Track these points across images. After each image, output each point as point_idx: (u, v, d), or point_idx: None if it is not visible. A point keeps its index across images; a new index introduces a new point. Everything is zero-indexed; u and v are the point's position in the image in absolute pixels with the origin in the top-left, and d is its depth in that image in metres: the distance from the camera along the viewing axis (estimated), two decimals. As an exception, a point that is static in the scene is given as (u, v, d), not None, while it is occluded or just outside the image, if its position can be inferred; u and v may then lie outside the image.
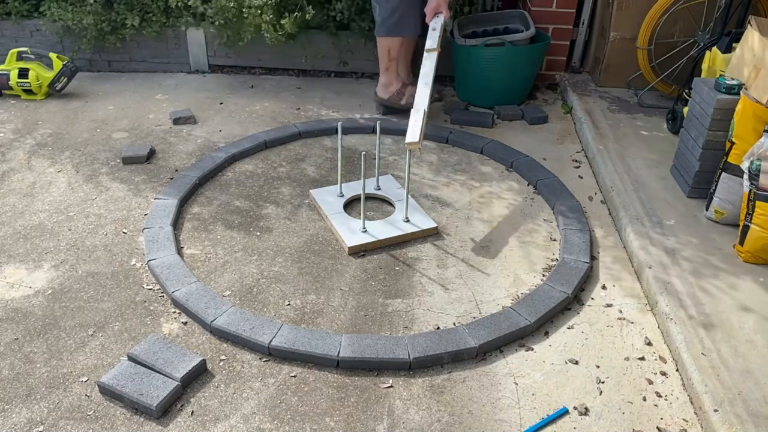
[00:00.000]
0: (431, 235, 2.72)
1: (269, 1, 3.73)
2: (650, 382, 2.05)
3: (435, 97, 3.84)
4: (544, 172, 3.15)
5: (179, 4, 3.95)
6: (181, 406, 1.93)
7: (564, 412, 1.94)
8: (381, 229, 2.68)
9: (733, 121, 2.55)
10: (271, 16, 3.75)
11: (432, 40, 3.15)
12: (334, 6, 3.98)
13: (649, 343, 2.20)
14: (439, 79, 4.27)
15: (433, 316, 2.30)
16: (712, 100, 2.65)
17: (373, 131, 3.17)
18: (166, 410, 1.90)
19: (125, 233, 2.67)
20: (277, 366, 2.08)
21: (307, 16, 3.77)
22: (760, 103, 2.45)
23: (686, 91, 3.28)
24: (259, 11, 3.77)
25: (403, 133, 3.54)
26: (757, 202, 2.41)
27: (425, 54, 3.07)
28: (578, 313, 2.34)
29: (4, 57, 3.84)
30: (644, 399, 1.99)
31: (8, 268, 2.46)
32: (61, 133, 3.47)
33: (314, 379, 2.03)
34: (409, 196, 2.78)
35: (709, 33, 3.56)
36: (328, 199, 2.88)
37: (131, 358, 2.03)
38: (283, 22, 3.74)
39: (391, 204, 2.91)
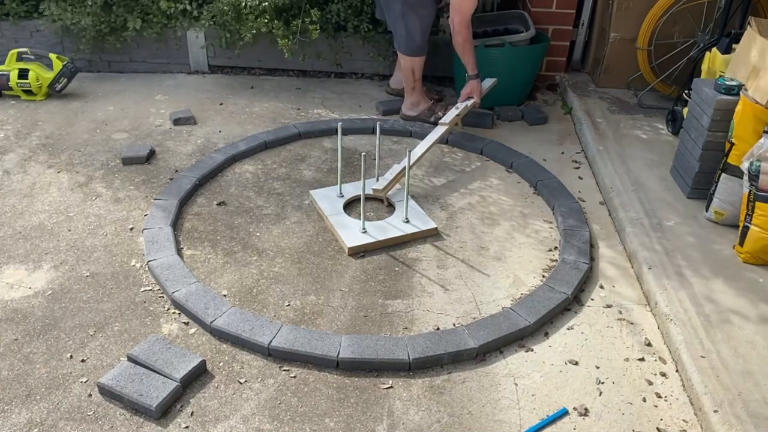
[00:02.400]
0: (431, 235, 2.72)
1: (266, 5, 3.73)
2: (650, 383, 2.05)
3: (436, 98, 3.87)
4: (544, 173, 3.15)
5: (173, 10, 3.95)
6: (181, 406, 1.93)
7: (564, 413, 1.94)
8: (381, 230, 2.68)
9: (733, 122, 2.55)
10: (281, 29, 3.76)
11: (448, 117, 3.30)
12: (330, 8, 3.98)
13: (649, 344, 2.21)
14: (439, 79, 4.29)
15: (433, 316, 2.30)
16: (712, 101, 2.66)
17: (373, 131, 3.18)
18: (165, 411, 1.90)
19: (125, 234, 2.67)
20: (276, 367, 2.08)
21: (314, 18, 3.77)
22: (760, 104, 2.45)
23: (686, 91, 3.28)
24: (255, 16, 3.78)
25: (402, 133, 3.56)
26: (757, 203, 2.41)
27: (438, 125, 3.27)
28: (578, 314, 2.34)
29: (4, 57, 3.84)
30: (644, 400, 1.99)
31: (8, 268, 2.46)
32: (60, 133, 3.47)
33: (314, 380, 2.03)
34: (409, 196, 2.78)
35: (708, 34, 3.56)
36: (328, 199, 2.88)
37: (131, 359, 2.03)
38: (294, 25, 3.77)
39: (390, 205, 2.91)
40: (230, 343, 2.16)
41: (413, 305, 2.35)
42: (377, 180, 2.98)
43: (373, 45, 4.15)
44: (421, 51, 3.52)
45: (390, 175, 2.91)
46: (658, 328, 2.27)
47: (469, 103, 3.41)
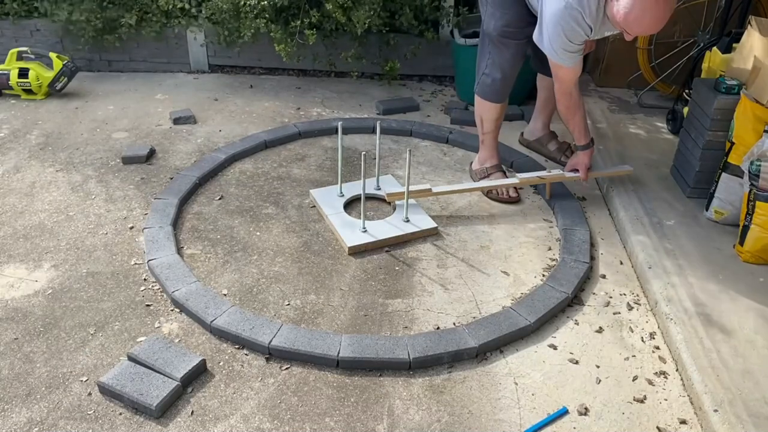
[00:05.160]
0: (431, 235, 2.72)
1: (264, 4, 3.72)
2: (650, 383, 2.05)
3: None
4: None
5: (172, 6, 3.95)
6: (181, 406, 1.93)
7: (564, 412, 1.94)
8: (381, 229, 2.68)
9: (733, 122, 2.56)
10: (279, 32, 3.73)
11: (528, 175, 2.89)
12: (322, 10, 3.95)
13: (649, 344, 2.21)
14: (439, 78, 4.28)
15: (433, 316, 2.30)
16: (712, 100, 2.66)
17: (373, 131, 3.18)
18: (165, 410, 1.90)
19: (125, 233, 2.67)
20: (277, 366, 2.08)
21: (313, 19, 3.76)
22: (760, 104, 2.45)
23: (686, 91, 3.28)
24: (254, 15, 3.76)
25: (402, 132, 3.56)
26: (757, 203, 2.41)
27: (515, 177, 2.85)
28: (578, 313, 2.34)
29: (4, 57, 3.84)
30: (644, 399, 1.99)
31: (8, 267, 2.46)
32: (61, 132, 3.47)
33: (314, 379, 2.03)
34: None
35: (709, 33, 3.56)
36: (328, 199, 2.88)
37: (131, 358, 2.03)
38: (292, 26, 3.74)
39: (391, 204, 2.91)
40: (230, 342, 2.16)
41: (413, 304, 2.35)
42: (377, 180, 2.98)
43: (369, 46, 4.13)
44: (486, 93, 2.93)
45: (411, 188, 2.78)
46: (658, 327, 2.27)
47: (568, 174, 2.89)
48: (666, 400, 2.00)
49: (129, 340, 2.15)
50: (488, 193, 2.99)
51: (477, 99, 2.98)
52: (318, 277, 2.46)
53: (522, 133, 3.48)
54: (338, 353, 2.07)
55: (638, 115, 3.67)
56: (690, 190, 2.85)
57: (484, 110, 2.96)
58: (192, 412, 1.91)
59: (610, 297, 2.42)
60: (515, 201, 2.95)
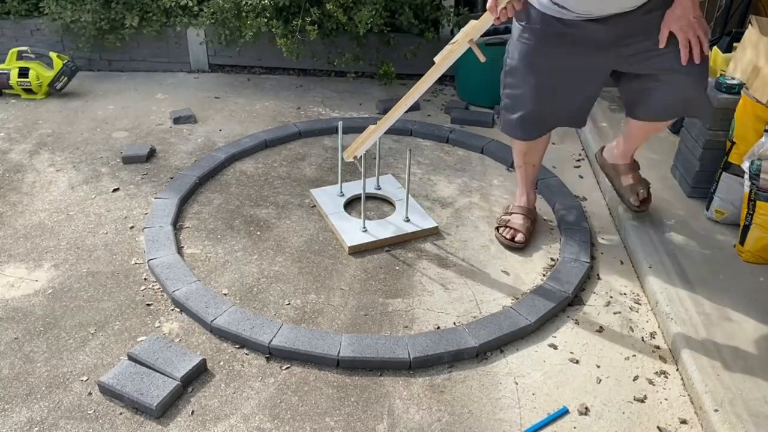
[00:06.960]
0: (431, 234, 2.72)
1: (265, 3, 3.72)
2: (650, 382, 2.05)
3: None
4: (544, 172, 3.14)
5: (173, 4, 3.95)
6: (182, 405, 1.93)
7: (564, 412, 1.94)
8: (381, 229, 2.68)
9: (734, 121, 2.55)
10: (280, 28, 3.72)
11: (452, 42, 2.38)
12: (323, 9, 3.94)
13: (650, 343, 2.20)
14: (439, 78, 4.26)
15: (434, 315, 2.30)
16: (713, 99, 2.65)
17: (374, 131, 3.18)
18: (166, 410, 1.90)
19: (125, 232, 2.67)
20: (277, 366, 2.08)
21: (314, 17, 3.76)
22: (761, 103, 2.45)
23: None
24: (255, 14, 3.76)
25: (403, 132, 3.56)
26: (758, 202, 2.40)
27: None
28: (578, 313, 2.34)
29: (4, 56, 3.84)
30: (644, 398, 1.99)
31: (8, 267, 2.46)
32: (61, 132, 3.47)
33: (314, 379, 2.03)
34: (409, 195, 2.78)
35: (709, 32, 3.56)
36: (328, 198, 2.88)
37: (131, 358, 2.03)
38: (294, 24, 3.73)
39: (391, 204, 2.91)
40: (230, 342, 2.16)
41: (413, 304, 2.35)
42: (377, 180, 2.98)
43: (369, 44, 4.12)
44: (503, 126, 2.56)
45: (360, 142, 2.57)
46: (659, 326, 2.27)
47: (479, 23, 2.28)
48: (666, 399, 2.00)
49: (129, 340, 2.15)
50: (495, 230, 2.71)
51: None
52: (318, 277, 2.46)
53: (602, 149, 2.85)
54: (338, 353, 2.07)
55: (639, 115, 3.67)
56: (690, 190, 2.85)
57: (516, 146, 2.62)
58: (192, 411, 1.91)
59: (611, 297, 2.42)
60: (519, 247, 2.63)
